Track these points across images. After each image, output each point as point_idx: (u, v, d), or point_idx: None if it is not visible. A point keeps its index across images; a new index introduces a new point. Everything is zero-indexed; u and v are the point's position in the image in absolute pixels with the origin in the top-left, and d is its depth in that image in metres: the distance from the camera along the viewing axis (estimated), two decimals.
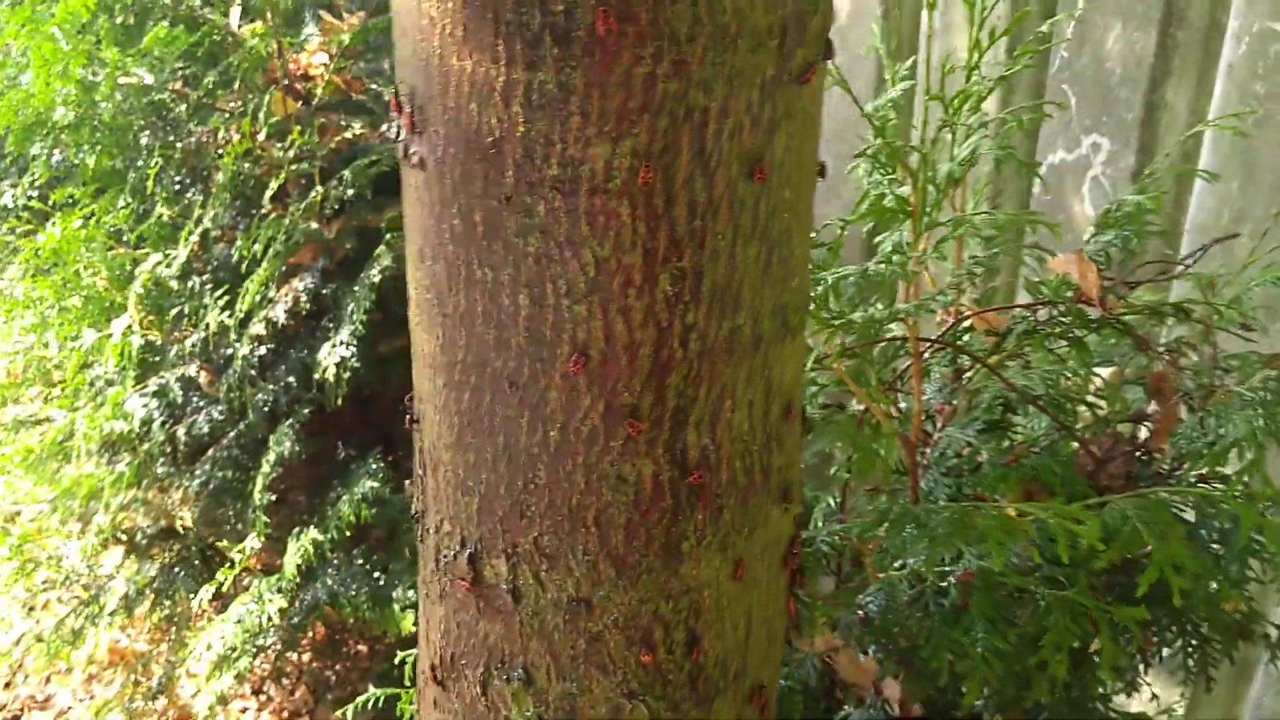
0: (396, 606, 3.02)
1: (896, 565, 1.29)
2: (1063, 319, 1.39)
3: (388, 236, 3.02)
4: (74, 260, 3.15)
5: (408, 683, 1.99)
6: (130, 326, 2.97)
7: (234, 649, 2.92)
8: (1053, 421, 1.50)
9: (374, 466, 3.09)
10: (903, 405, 1.47)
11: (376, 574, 3.11)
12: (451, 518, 0.96)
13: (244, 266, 3.01)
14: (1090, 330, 1.38)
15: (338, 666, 3.74)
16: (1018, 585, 1.16)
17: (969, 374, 1.45)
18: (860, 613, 1.25)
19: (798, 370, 0.97)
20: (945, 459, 1.33)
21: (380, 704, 2.02)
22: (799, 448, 1.01)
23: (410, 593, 3.01)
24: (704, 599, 0.95)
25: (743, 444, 0.92)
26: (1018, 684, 1.32)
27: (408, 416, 1.01)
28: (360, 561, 3.12)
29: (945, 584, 1.20)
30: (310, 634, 3.70)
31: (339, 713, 2.04)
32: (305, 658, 3.81)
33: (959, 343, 1.34)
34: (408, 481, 3.09)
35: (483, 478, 0.92)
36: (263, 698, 3.73)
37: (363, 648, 3.71)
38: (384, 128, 3.22)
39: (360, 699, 1.95)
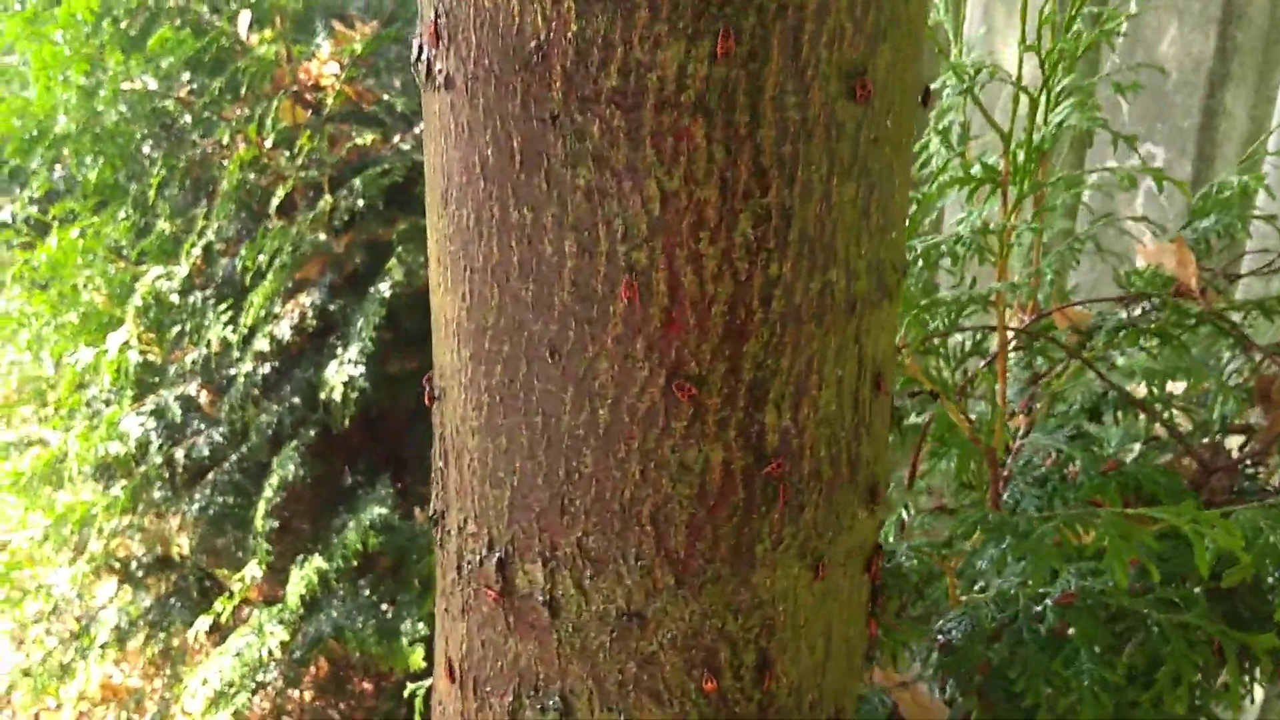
0: (405, 640, 2.85)
1: (978, 588, 1.13)
2: (1158, 314, 1.24)
3: (399, 249, 2.88)
4: (71, 274, 3.01)
5: None
6: (127, 342, 2.83)
7: (232, 684, 2.75)
8: (1126, 432, 1.34)
9: (383, 492, 2.94)
10: (973, 415, 1.31)
11: (384, 605, 2.95)
12: (478, 516, 0.81)
13: (248, 280, 2.87)
14: (1190, 328, 1.23)
15: (341, 705, 3.56)
16: (1126, 608, 1.00)
17: (1047, 379, 1.30)
18: (940, 638, 1.09)
19: (891, 345, 0.82)
20: (1031, 468, 1.17)
21: None
22: (888, 438, 0.86)
23: (421, 625, 2.85)
24: (779, 614, 0.80)
25: (829, 429, 0.77)
26: None
27: (425, 393, 0.86)
28: (367, 592, 2.96)
29: (1041, 607, 1.04)
30: (313, 669, 3.53)
31: None
32: (307, 696, 3.63)
33: (1048, 335, 1.19)
34: (418, 509, 2.94)
35: (516, 466, 0.77)
36: None
37: (368, 685, 3.54)
38: (396, 139, 3.10)
39: None
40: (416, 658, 2.79)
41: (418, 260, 2.91)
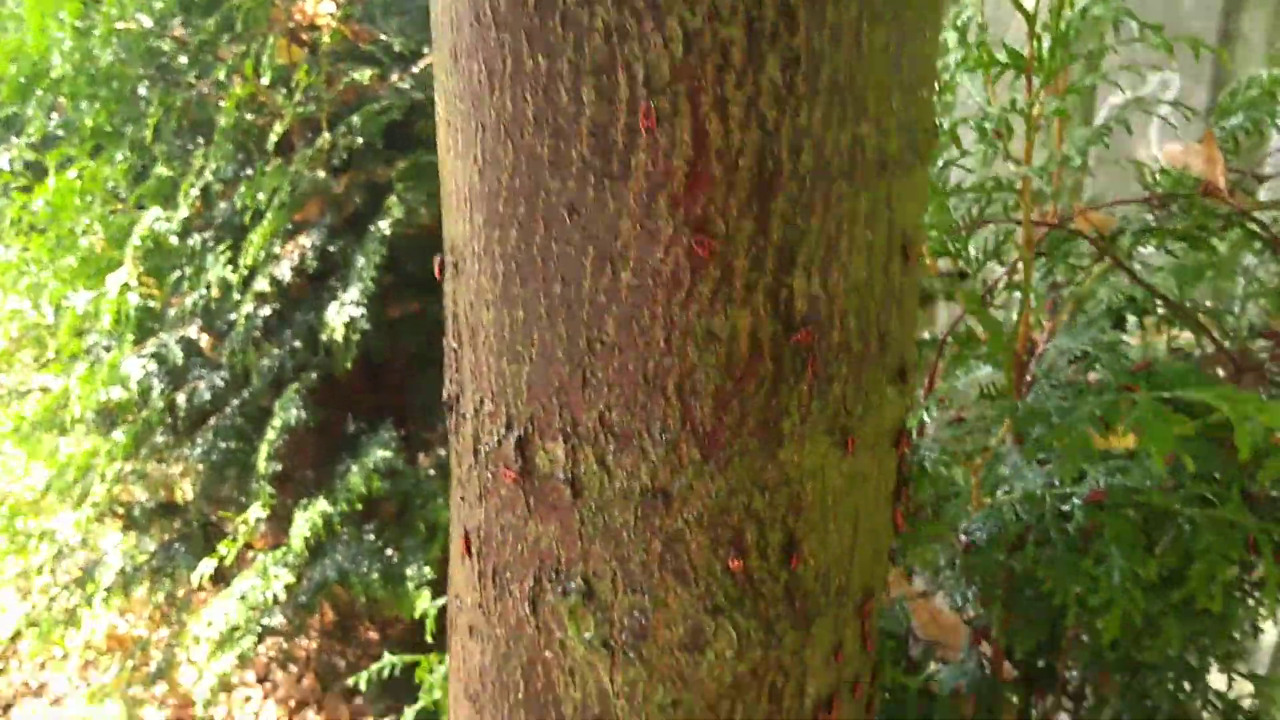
0: (410, 585, 2.83)
1: (1002, 493, 1.10)
2: (1184, 217, 1.21)
3: (399, 187, 2.84)
4: (69, 218, 2.97)
5: (430, 639, 1.81)
6: (127, 284, 2.79)
7: (236, 628, 2.74)
8: (1146, 350, 1.31)
9: (386, 436, 2.91)
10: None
11: (389, 551, 2.92)
12: (495, 395, 0.78)
13: (248, 220, 2.83)
14: (1218, 230, 1.19)
15: (347, 653, 3.56)
16: (1157, 506, 0.97)
17: (1075, 282, 1.27)
18: (964, 538, 1.06)
19: (920, 215, 0.79)
20: (1055, 372, 1.14)
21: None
22: (916, 314, 0.83)
23: (427, 570, 2.83)
24: (805, 493, 0.77)
25: (859, 298, 0.74)
26: (1136, 633, 1.13)
27: (437, 268, 0.82)
28: (371, 538, 2.94)
29: (1068, 507, 1.01)
30: (318, 617, 3.52)
31: (352, 680, 1.86)
32: (313, 645, 3.63)
33: (1075, 230, 1.15)
34: (421, 455, 2.91)
35: (535, 339, 0.74)
36: (268, 685, 3.55)
37: (373, 634, 3.53)
38: (394, 78, 3.05)
39: (375, 666, 1.77)
40: (422, 601, 2.77)
41: (418, 199, 2.87)
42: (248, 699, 3.51)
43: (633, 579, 0.77)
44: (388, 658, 1.72)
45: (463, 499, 0.85)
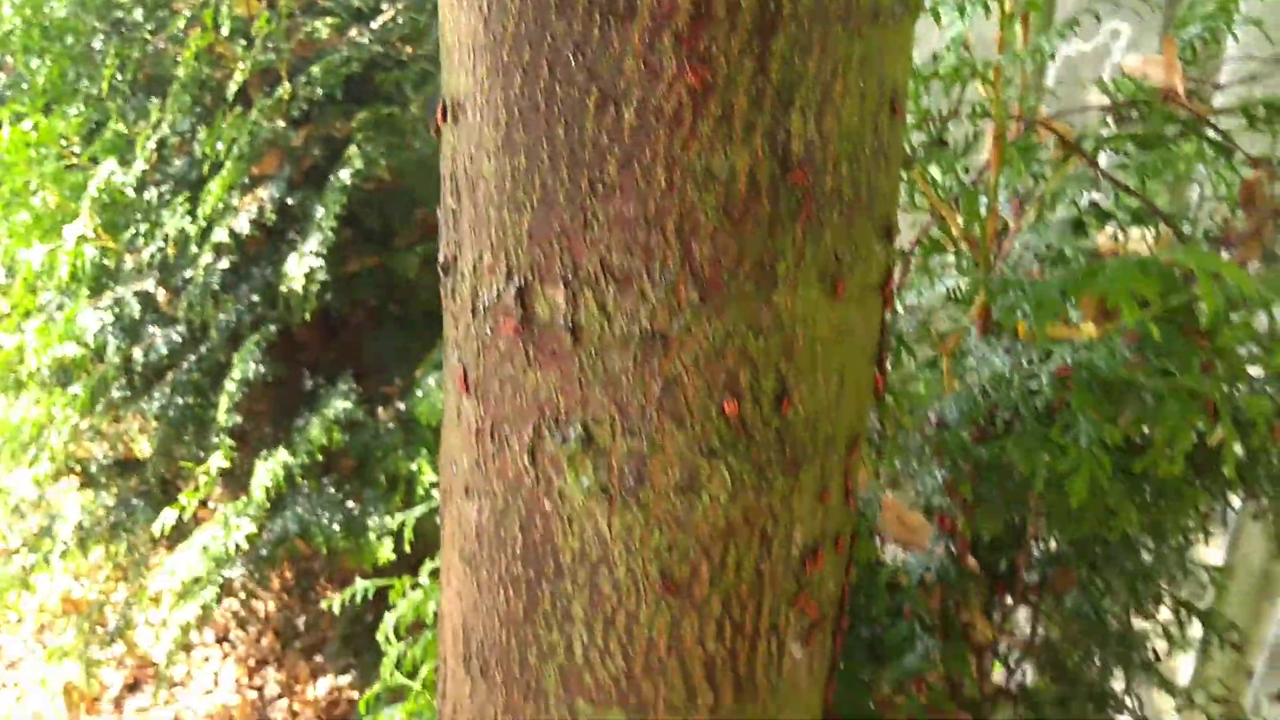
0: (372, 535, 2.84)
1: (972, 367, 1.14)
2: (1145, 124, 1.25)
3: (359, 137, 2.84)
4: (22, 172, 2.93)
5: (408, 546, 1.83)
6: (84, 235, 2.76)
7: (199, 579, 2.73)
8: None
9: (345, 388, 2.91)
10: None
11: (349, 503, 2.93)
12: (494, 246, 0.80)
13: (206, 170, 2.81)
14: (1176, 136, 1.24)
15: (307, 612, 3.56)
16: (1123, 379, 1.01)
17: (1042, 184, 1.31)
18: (933, 416, 1.10)
19: (907, 70, 0.82)
20: (1022, 266, 1.18)
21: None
22: (900, 175, 0.86)
23: (388, 520, 2.84)
24: (797, 339, 0.80)
25: (851, 145, 0.77)
26: (1097, 517, 1.18)
27: (435, 117, 0.84)
28: (332, 491, 2.94)
29: (1036, 385, 1.05)
30: (277, 577, 3.51)
31: (326, 603, 1.87)
32: (271, 605, 3.62)
33: (1046, 123, 1.19)
34: (380, 408, 2.90)
35: (537, 184, 0.76)
36: (227, 646, 3.54)
37: (333, 593, 3.52)
38: (352, 32, 3.04)
39: (348, 591, 1.78)
40: (383, 551, 2.78)
41: (378, 151, 2.87)
42: (206, 659, 3.50)
43: (631, 423, 0.79)
44: (360, 582, 1.73)
45: (459, 361, 0.87)
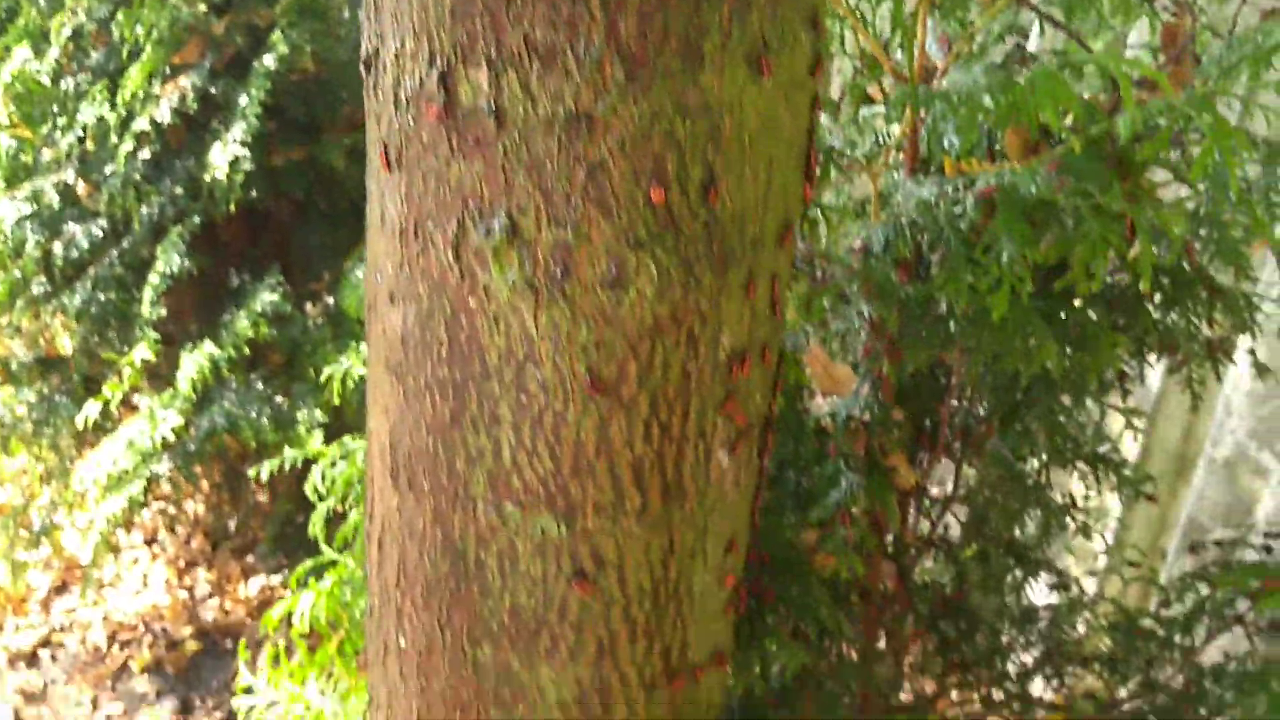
0: (302, 429, 2.81)
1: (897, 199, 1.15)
2: None
3: (282, 23, 2.76)
4: None
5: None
6: None
7: (125, 472, 2.69)
8: None
9: (272, 281, 2.86)
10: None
11: (278, 398, 2.90)
12: (416, 30, 0.78)
13: (125, 56, 2.73)
14: None
15: (237, 515, 3.53)
16: (1046, 198, 1.02)
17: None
18: (858, 244, 1.11)
19: None
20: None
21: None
22: None
23: (318, 413, 2.81)
24: (724, 126, 0.79)
25: None
26: (1019, 353, 1.20)
27: None
28: (261, 386, 2.90)
29: (960, 208, 1.06)
30: (207, 480, 3.48)
31: (253, 472, 1.85)
32: (200, 508, 3.59)
33: None
34: (309, 304, 2.87)
35: None
36: (156, 548, 3.51)
37: (263, 496, 3.50)
38: None
39: (274, 462, 1.76)
40: (313, 444, 2.76)
41: (302, 37, 2.80)
42: (135, 561, 3.46)
43: (556, 212, 0.79)
44: (289, 452, 1.72)
45: (384, 155, 0.85)
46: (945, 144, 1.08)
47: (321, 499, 1.56)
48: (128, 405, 3.02)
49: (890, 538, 1.53)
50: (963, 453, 1.55)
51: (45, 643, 3.22)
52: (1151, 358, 1.48)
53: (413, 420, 0.91)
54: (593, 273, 0.80)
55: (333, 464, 1.72)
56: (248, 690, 1.99)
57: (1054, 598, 1.94)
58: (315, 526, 1.54)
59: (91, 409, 2.67)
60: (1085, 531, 1.57)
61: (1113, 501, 2.46)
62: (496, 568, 0.93)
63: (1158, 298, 1.40)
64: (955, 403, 1.46)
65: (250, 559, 3.47)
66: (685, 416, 0.88)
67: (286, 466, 1.75)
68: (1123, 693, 1.67)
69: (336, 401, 2.63)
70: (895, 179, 1.23)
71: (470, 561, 0.94)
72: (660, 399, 0.86)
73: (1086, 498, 1.59)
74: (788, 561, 1.33)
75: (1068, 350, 1.31)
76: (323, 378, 2.04)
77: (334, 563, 1.72)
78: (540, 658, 0.97)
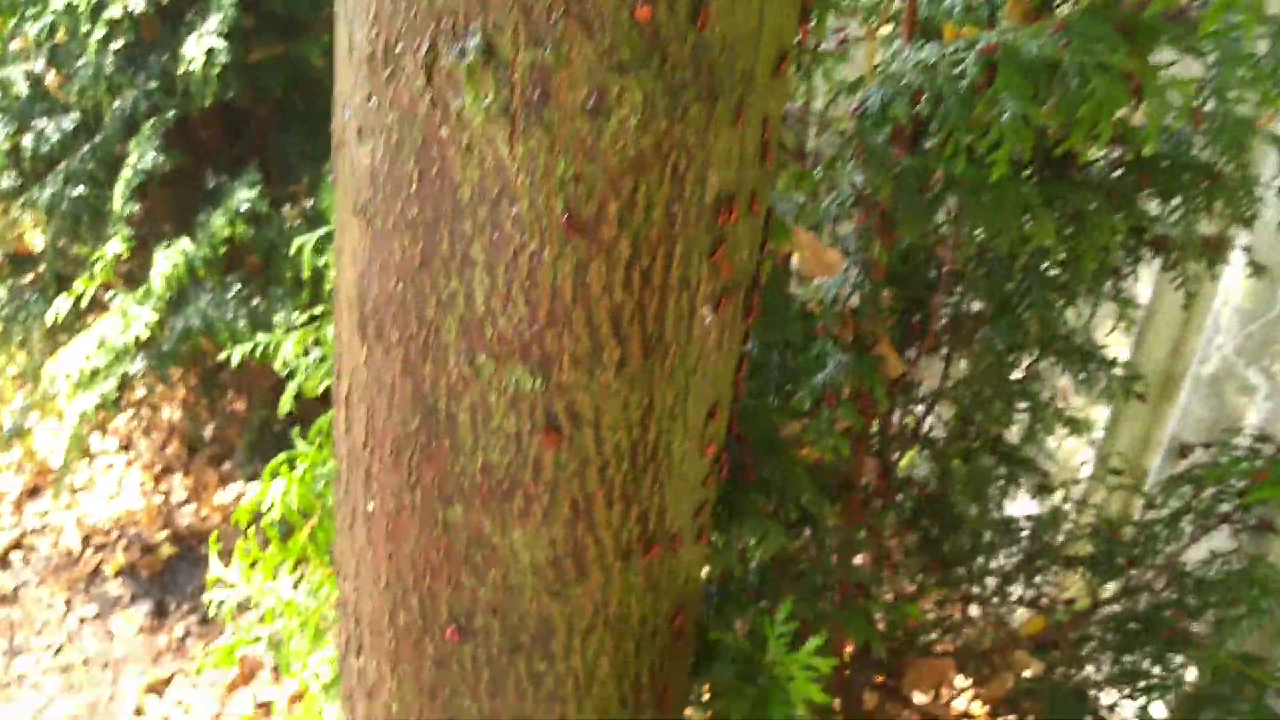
0: (279, 331, 2.76)
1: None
2: None
3: None
4: None
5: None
6: None
7: (96, 370, 2.64)
8: None
9: (249, 180, 2.79)
10: None
11: (255, 300, 2.84)
12: None
13: None
14: None
15: (214, 422, 3.49)
16: (1050, 57, 0.98)
17: None
18: (854, 105, 1.06)
19: None
20: None
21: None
22: None
23: (295, 315, 2.76)
24: None
25: None
26: (1014, 228, 1.16)
27: None
28: (238, 287, 2.84)
29: (961, 67, 1.01)
30: (184, 387, 3.43)
31: (224, 355, 1.81)
32: (177, 414, 3.54)
33: None
34: (287, 206, 2.80)
35: None
36: (132, 453, 3.47)
37: (240, 404, 3.46)
38: None
39: (245, 346, 1.72)
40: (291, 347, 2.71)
41: None
42: (110, 466, 3.42)
43: (535, 30, 0.74)
44: (260, 336, 1.67)
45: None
46: (946, 4, 1.03)
47: (292, 376, 1.52)
48: (101, 306, 2.97)
49: (874, 431, 1.50)
50: (952, 346, 1.52)
51: (17, 545, 3.19)
52: (1142, 285, 1.45)
53: (381, 264, 0.87)
54: (572, 98, 0.76)
55: (305, 351, 1.68)
56: (217, 582, 1.96)
57: (1037, 507, 1.93)
58: (285, 404, 1.50)
59: (61, 305, 2.61)
60: (1073, 427, 1.54)
61: (1099, 413, 2.44)
62: (468, 422, 0.89)
63: (1155, 186, 1.36)
64: (946, 296, 1.43)
65: (227, 466, 3.43)
66: (668, 263, 0.84)
67: (258, 353, 1.70)
68: (1105, 594, 1.65)
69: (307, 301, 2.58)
70: (894, 47, 1.18)
71: (441, 416, 0.90)
72: (642, 242, 0.82)
73: (1066, 406, 1.56)
74: (770, 446, 1.30)
75: (1065, 234, 1.27)
76: (292, 249, 1.97)
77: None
78: (513, 519, 0.93)
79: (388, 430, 0.94)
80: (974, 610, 1.80)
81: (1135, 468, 2.52)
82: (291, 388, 1.52)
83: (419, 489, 0.94)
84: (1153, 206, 1.40)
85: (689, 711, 1.34)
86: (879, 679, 1.78)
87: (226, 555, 2.68)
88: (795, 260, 1.42)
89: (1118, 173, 1.35)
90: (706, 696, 1.32)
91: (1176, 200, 1.36)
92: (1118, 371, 1.55)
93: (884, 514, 1.56)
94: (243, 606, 1.92)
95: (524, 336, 0.85)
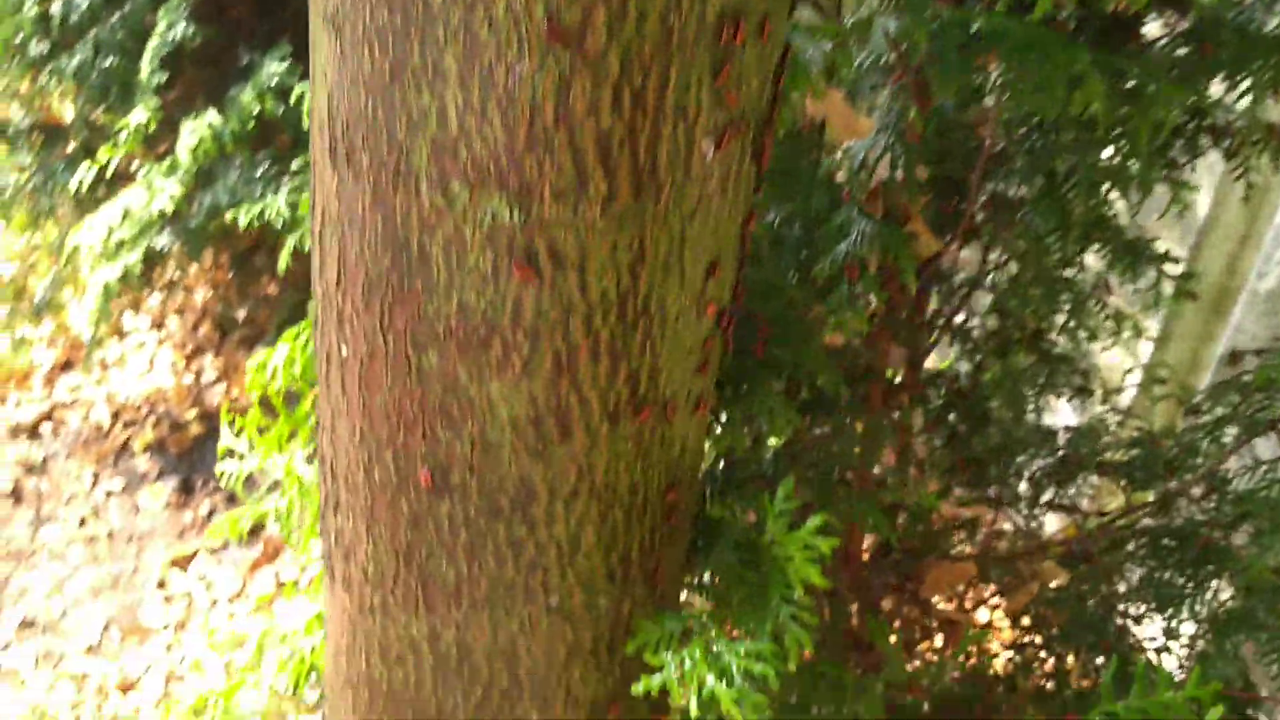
0: (307, 211, 2.70)
1: None
2: None
3: None
4: None
5: None
6: None
7: (121, 242, 2.60)
8: None
9: (280, 54, 2.71)
10: None
11: (284, 178, 2.78)
12: None
13: None
14: None
15: (245, 306, 3.46)
16: None
17: None
18: None
19: None
20: None
21: None
22: None
23: None
24: None
25: None
26: (1060, 94, 1.05)
27: None
28: (267, 165, 2.78)
29: None
30: (216, 269, 3.40)
31: (231, 215, 1.75)
32: (209, 295, 3.52)
33: None
34: None
35: None
36: (163, 333, 3.45)
37: (273, 288, 3.42)
38: None
39: (255, 207, 1.65)
40: None
41: None
42: (142, 344, 3.41)
43: None
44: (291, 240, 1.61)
45: None
46: None
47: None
48: (130, 180, 2.92)
49: (903, 317, 1.42)
50: (992, 234, 1.43)
51: (47, 417, 3.20)
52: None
53: (350, 79, 0.79)
54: None
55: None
56: (229, 453, 1.93)
57: (1075, 419, 1.84)
58: (283, 261, 1.44)
59: (87, 175, 2.57)
60: (1118, 323, 1.44)
61: (1149, 327, 2.33)
62: (442, 259, 0.82)
63: (1220, 61, 1.24)
64: (985, 176, 1.33)
65: (258, 348, 3.41)
66: (663, 85, 0.76)
67: (264, 215, 1.63)
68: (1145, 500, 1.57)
69: None
70: None
71: (413, 252, 0.83)
72: (633, 57, 0.73)
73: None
74: (787, 323, 1.22)
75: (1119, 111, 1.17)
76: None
77: None
78: (490, 369, 0.87)
79: (359, 268, 0.87)
80: (1002, 517, 1.72)
81: (1184, 386, 2.42)
82: (289, 243, 1.46)
83: (391, 333, 0.88)
84: (1215, 90, 1.30)
85: (696, 600, 1.28)
86: (896, 582, 1.72)
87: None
88: (827, 123, 1.32)
89: (1179, 50, 1.24)
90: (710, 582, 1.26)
91: (1242, 78, 1.25)
92: (1170, 268, 1.45)
93: (910, 408, 1.48)
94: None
95: (501, 162, 0.77)
